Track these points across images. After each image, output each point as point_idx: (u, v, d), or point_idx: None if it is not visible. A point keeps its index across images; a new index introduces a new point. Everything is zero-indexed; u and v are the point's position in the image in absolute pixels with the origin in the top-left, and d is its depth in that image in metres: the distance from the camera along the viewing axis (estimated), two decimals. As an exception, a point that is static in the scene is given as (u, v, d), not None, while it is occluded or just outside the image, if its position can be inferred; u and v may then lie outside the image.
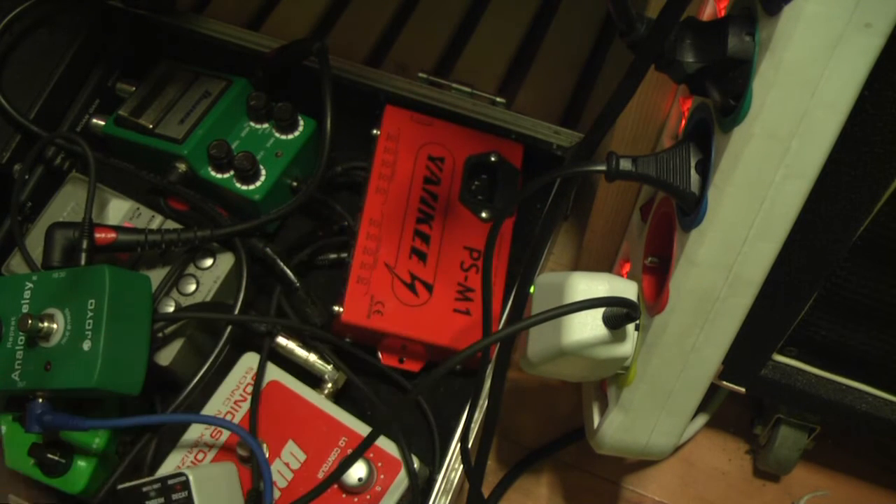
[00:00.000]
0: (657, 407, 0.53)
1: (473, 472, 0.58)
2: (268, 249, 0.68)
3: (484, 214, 0.70)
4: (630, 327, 0.51)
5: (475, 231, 0.70)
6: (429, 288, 0.66)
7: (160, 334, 0.63)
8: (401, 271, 0.66)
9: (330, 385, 0.65)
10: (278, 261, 0.68)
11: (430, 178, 0.70)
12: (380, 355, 0.68)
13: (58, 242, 0.62)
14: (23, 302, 0.59)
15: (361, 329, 0.65)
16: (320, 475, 0.60)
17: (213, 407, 0.63)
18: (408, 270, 0.66)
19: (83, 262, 0.61)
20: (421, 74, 0.79)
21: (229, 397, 0.63)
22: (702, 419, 0.75)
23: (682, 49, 0.44)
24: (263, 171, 0.70)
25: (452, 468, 0.63)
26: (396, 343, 0.66)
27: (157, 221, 0.68)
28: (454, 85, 0.78)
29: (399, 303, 0.65)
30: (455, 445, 0.64)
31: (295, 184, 0.73)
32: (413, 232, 0.68)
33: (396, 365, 0.68)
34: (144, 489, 0.56)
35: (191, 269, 0.67)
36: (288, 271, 0.68)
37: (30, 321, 0.56)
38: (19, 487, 0.64)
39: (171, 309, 0.65)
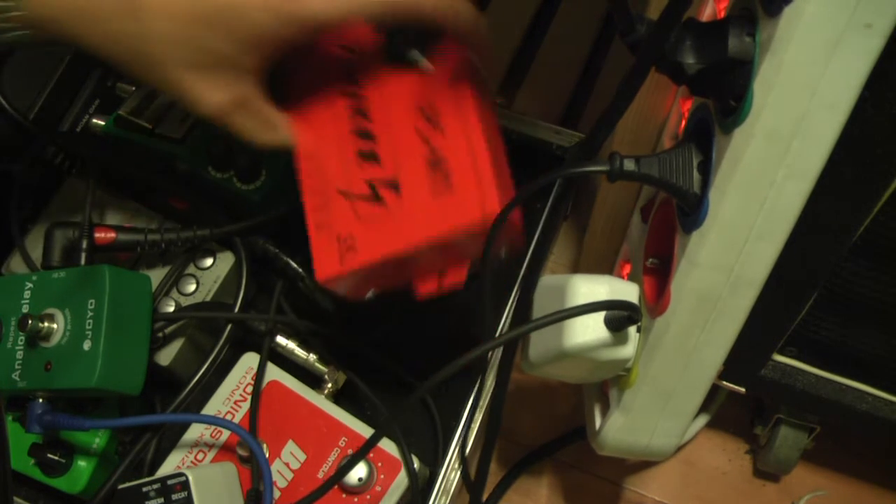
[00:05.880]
0: (659, 408, 0.53)
1: (475, 481, 0.58)
2: (269, 245, 0.68)
3: (419, 59, 0.54)
4: (631, 329, 0.51)
5: (418, 84, 0.55)
6: (394, 186, 0.53)
7: (160, 334, 0.63)
8: (356, 187, 0.53)
9: (330, 385, 0.65)
10: (281, 255, 0.68)
11: (342, 60, 0.56)
12: (417, 291, 0.56)
13: (58, 242, 0.62)
14: (23, 302, 0.59)
15: (346, 279, 0.54)
16: (320, 475, 0.60)
17: (213, 407, 0.63)
18: (363, 181, 0.53)
19: (83, 262, 0.61)
20: (421, 74, 0.79)
21: (229, 397, 0.63)
22: (702, 419, 0.75)
23: (682, 50, 0.44)
24: (264, 171, 0.70)
25: (452, 468, 0.63)
26: (404, 268, 0.55)
27: (156, 221, 0.68)
28: (454, 85, 0.78)
29: (367, 225, 0.53)
30: (455, 446, 0.64)
31: (295, 183, 0.73)
32: (350, 133, 0.55)
33: (437, 287, 0.56)
34: (144, 489, 0.56)
35: (191, 269, 0.67)
36: (292, 263, 0.68)
37: (30, 321, 0.56)
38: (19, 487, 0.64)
39: (171, 309, 0.65)
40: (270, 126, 0.54)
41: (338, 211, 0.53)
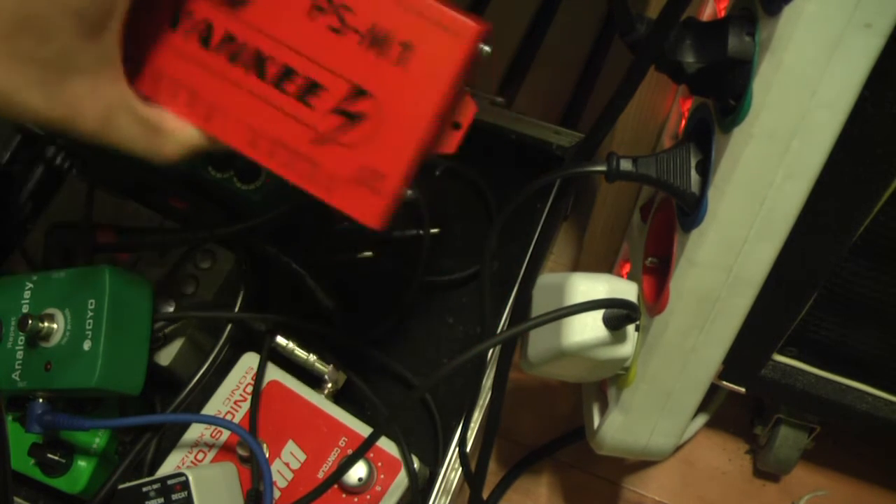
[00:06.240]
0: (657, 407, 0.53)
1: (474, 476, 0.58)
2: (269, 245, 0.68)
3: None
4: (630, 328, 0.51)
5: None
6: (361, 93, 0.45)
7: (160, 334, 0.63)
8: (326, 126, 0.46)
9: (330, 385, 0.65)
10: (281, 255, 0.68)
11: (192, 25, 0.46)
12: (444, 151, 0.50)
13: (58, 242, 0.62)
14: (23, 302, 0.59)
15: (391, 209, 0.47)
16: (320, 475, 0.60)
17: (213, 407, 0.63)
18: (328, 115, 0.46)
19: (83, 262, 0.61)
20: (421, 74, 0.79)
21: (229, 397, 0.63)
22: (702, 419, 0.75)
23: (682, 49, 0.44)
24: (263, 171, 0.70)
25: (452, 468, 0.63)
26: (427, 146, 0.47)
27: (156, 221, 0.68)
28: (454, 85, 0.78)
29: (369, 144, 0.46)
30: (455, 446, 0.64)
31: (295, 183, 0.73)
32: (271, 88, 0.46)
33: (459, 138, 0.49)
34: (144, 489, 0.56)
35: (191, 269, 0.67)
36: (292, 263, 0.68)
37: (30, 321, 0.56)
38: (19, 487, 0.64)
39: (171, 309, 0.65)
40: (161, 132, 0.45)
41: (330, 159, 0.46)
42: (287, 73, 0.46)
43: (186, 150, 0.47)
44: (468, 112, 0.49)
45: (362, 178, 0.46)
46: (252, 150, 0.48)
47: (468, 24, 0.44)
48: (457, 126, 0.49)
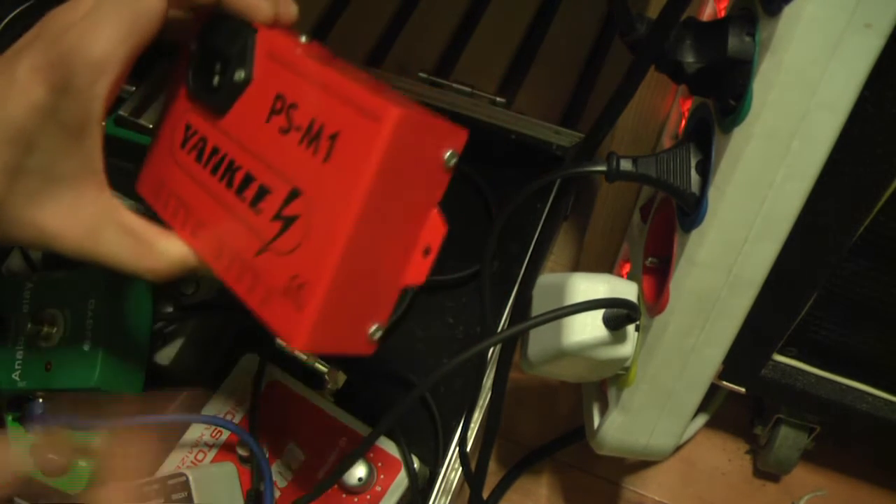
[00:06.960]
0: (657, 408, 0.53)
1: (474, 476, 0.58)
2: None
3: (240, 76, 0.44)
4: (630, 328, 0.51)
5: (247, 100, 0.44)
6: (296, 195, 0.41)
7: (160, 334, 0.63)
8: (268, 234, 0.42)
9: (330, 385, 0.65)
10: None
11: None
12: (413, 283, 0.45)
13: (58, 242, 0.62)
14: (23, 302, 0.59)
15: (326, 324, 0.42)
16: (320, 475, 0.60)
17: (213, 407, 0.63)
18: (269, 222, 0.42)
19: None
20: (421, 74, 0.79)
21: (229, 397, 0.63)
22: (702, 419, 0.75)
23: (682, 49, 0.44)
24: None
25: (452, 468, 0.63)
26: (377, 268, 0.43)
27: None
28: (454, 85, 0.78)
29: (299, 251, 0.41)
30: (455, 446, 0.64)
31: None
32: (235, 195, 0.44)
33: (428, 264, 0.45)
34: (144, 489, 0.56)
35: (191, 269, 0.67)
36: None
37: (30, 321, 0.56)
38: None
39: (170, 309, 0.65)
40: (148, 244, 0.43)
41: (267, 269, 0.42)
42: (247, 180, 0.44)
43: (175, 266, 0.44)
44: (437, 234, 0.44)
45: (289, 290, 0.41)
46: (217, 262, 0.45)
47: (389, 108, 0.38)
48: (427, 252, 0.44)
